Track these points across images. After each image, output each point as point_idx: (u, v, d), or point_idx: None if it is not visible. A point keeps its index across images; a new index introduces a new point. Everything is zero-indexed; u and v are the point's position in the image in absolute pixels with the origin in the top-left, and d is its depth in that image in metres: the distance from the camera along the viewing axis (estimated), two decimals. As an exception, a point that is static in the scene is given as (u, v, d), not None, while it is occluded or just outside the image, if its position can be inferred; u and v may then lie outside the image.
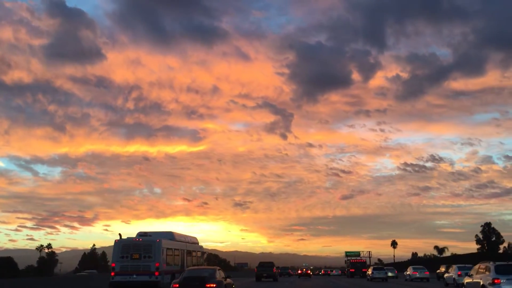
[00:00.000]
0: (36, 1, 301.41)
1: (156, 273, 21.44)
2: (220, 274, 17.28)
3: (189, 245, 26.93)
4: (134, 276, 21.07)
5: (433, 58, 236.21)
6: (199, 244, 30.17)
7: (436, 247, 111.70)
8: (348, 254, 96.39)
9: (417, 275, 42.35)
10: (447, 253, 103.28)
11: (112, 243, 22.51)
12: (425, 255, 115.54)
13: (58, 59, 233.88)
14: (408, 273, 44.43)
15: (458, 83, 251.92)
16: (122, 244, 22.04)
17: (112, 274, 21.59)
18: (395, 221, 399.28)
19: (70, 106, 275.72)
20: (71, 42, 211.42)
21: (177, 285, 16.03)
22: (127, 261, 21.59)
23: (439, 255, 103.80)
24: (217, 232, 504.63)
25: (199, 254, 28.94)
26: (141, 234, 23.56)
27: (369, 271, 45.02)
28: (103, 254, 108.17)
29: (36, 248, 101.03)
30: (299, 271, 70.23)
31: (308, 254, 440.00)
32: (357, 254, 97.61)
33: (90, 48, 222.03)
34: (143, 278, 21.24)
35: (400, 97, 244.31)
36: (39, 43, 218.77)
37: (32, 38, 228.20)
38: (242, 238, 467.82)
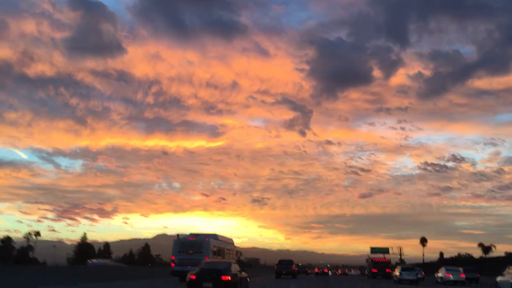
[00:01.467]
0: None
1: None
2: (235, 268, 17.58)
3: (228, 245, 31.97)
4: (189, 267, 23.71)
5: (456, 55, 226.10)
6: (234, 244, 35.34)
7: (481, 245, 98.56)
8: (374, 250, 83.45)
9: (451, 277, 36.08)
10: (494, 253, 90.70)
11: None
12: (459, 254, 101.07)
13: (80, 52, 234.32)
14: (439, 275, 38.02)
15: (482, 82, 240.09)
16: (180, 242, 27.27)
17: (172, 265, 26.92)
18: (414, 221, 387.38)
19: (91, 99, 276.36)
20: (92, 35, 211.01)
21: (194, 277, 16.36)
22: (184, 255, 26.50)
23: (484, 255, 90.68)
24: (235, 228, 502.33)
25: (234, 252, 34.14)
26: (194, 235, 28.94)
27: (396, 272, 38.51)
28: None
29: (24, 237, 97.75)
30: (316, 270, 67.23)
31: (326, 252, 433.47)
32: (385, 250, 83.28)
33: (110, 41, 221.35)
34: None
35: (422, 95, 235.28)
36: (60, 36, 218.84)
37: (54, 31, 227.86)
38: (260, 235, 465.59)
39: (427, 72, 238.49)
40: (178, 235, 28.67)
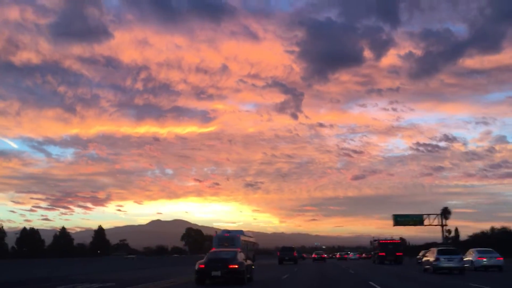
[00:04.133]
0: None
1: None
2: (241, 256, 17.91)
3: (250, 238, 39.25)
4: None
5: (447, 34, 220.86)
6: (253, 238, 43.03)
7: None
8: (399, 219, 68.07)
9: (485, 261, 28.87)
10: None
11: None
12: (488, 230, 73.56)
13: (65, 39, 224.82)
14: (468, 258, 30.15)
15: (473, 61, 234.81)
16: (218, 237, 34.99)
17: None
18: (407, 202, 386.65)
19: (80, 87, 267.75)
20: (78, 20, 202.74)
21: (203, 266, 16.75)
22: (221, 247, 30.13)
23: None
24: (229, 213, 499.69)
25: (253, 244, 41.75)
26: (227, 231, 36.67)
27: (430, 256, 27.02)
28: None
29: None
30: (314, 255, 63.10)
31: (320, 234, 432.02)
32: (418, 218, 67.58)
33: (96, 26, 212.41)
34: None
35: (413, 75, 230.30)
36: (45, 22, 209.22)
37: (39, 17, 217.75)
38: (254, 219, 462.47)
39: (418, 52, 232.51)
40: (216, 232, 38.16)
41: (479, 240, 57.18)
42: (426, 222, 69.61)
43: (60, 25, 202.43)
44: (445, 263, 24.89)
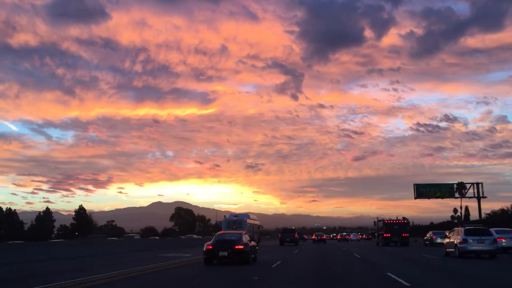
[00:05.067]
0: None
1: None
2: (246, 238, 18.57)
3: (255, 221, 41.61)
4: None
5: (449, 12, 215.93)
6: (258, 220, 44.09)
7: None
8: (422, 190, 58.30)
9: (504, 243, 24.91)
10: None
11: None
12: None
13: (63, 20, 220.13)
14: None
15: (475, 40, 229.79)
16: (227, 220, 37.58)
17: None
18: (407, 182, 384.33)
19: (78, 69, 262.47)
20: (74, 1, 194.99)
21: (211, 247, 17.53)
22: (230, 229, 32.95)
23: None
24: (230, 194, 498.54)
25: (258, 226, 43.56)
26: (235, 215, 38.97)
27: (455, 237, 22.10)
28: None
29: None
30: (314, 237, 62.56)
31: (320, 215, 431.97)
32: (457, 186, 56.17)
33: (93, 6, 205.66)
34: None
35: (414, 55, 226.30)
36: (42, 2, 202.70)
37: None
38: (255, 200, 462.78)
39: (419, 31, 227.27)
40: (224, 216, 40.09)
41: (494, 219, 52.51)
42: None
43: (57, 5, 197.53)
44: (474, 245, 20.40)
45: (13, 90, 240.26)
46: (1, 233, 75.02)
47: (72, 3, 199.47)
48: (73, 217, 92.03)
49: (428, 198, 60.93)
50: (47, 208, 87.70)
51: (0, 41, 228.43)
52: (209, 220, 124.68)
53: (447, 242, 23.23)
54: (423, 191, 60.14)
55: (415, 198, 60.05)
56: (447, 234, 25.50)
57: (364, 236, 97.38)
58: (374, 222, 53.21)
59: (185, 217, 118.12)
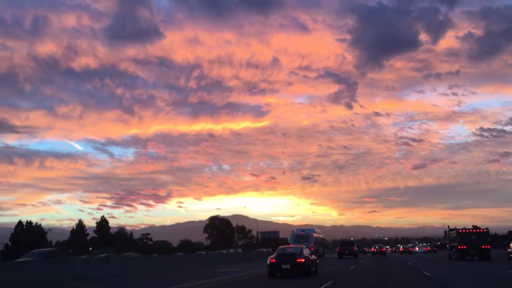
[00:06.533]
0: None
1: (312, 249, 36.63)
2: (306, 251, 19.48)
3: (319, 235, 45.63)
4: None
5: (509, 10, 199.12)
6: (322, 234, 49.24)
7: None
8: None
9: None
10: None
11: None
12: None
13: (120, 41, 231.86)
14: None
15: None
16: (295, 235, 40.85)
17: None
18: (472, 190, 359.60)
19: (136, 88, 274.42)
20: (130, 22, 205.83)
21: (274, 260, 18.67)
22: (298, 243, 35.66)
23: None
24: (287, 206, 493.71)
25: (321, 240, 48.88)
26: (302, 230, 42.14)
27: None
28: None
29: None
30: (373, 249, 61.62)
31: (381, 226, 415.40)
32: None
33: (148, 26, 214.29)
34: None
35: (474, 57, 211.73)
36: (100, 26, 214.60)
37: (93, 21, 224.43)
38: (312, 212, 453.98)
39: (478, 32, 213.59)
40: (292, 231, 43.23)
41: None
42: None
43: (114, 27, 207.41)
44: None
45: (76, 111, 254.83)
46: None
47: (128, 25, 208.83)
48: (94, 230, 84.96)
49: None
50: (80, 221, 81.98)
51: (63, 65, 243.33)
52: (249, 231, 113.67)
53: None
54: None
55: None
56: None
57: (429, 248, 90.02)
58: (445, 231, 47.51)
59: (220, 228, 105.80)
